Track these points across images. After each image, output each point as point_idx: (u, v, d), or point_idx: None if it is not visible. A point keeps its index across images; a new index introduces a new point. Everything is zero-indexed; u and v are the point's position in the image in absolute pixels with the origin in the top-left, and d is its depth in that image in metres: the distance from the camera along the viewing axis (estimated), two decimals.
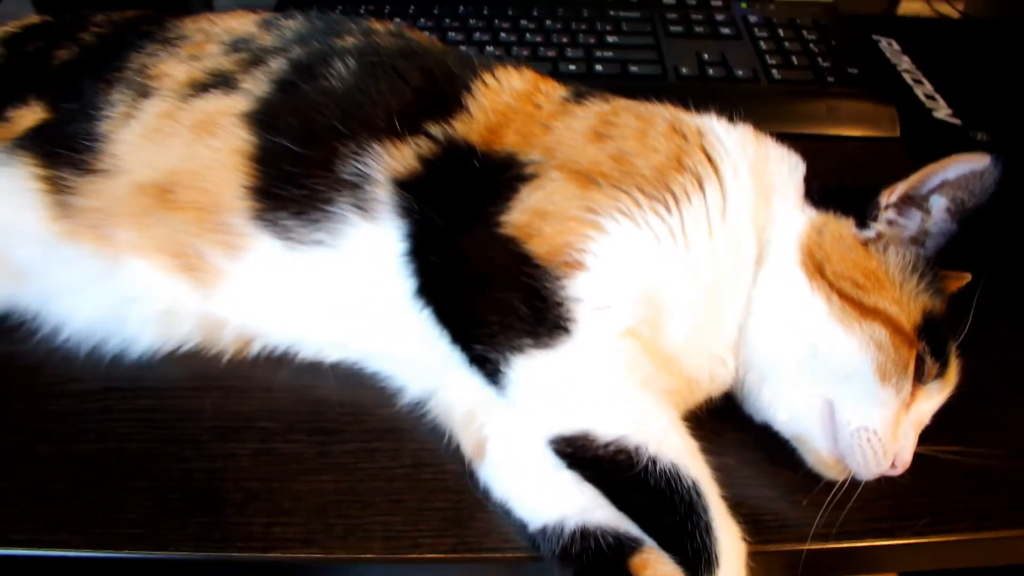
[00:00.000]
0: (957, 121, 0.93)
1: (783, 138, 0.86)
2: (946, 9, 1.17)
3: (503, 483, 0.53)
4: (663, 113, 0.60)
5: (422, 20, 0.98)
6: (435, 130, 0.59)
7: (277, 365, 0.63)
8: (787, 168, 0.61)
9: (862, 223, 0.58)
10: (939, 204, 0.57)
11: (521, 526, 0.52)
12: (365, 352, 0.62)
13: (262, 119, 0.60)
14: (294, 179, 0.58)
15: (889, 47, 1.06)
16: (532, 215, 0.53)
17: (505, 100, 0.61)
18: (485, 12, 0.99)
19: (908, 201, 0.58)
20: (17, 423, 0.59)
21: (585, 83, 0.88)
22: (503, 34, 0.96)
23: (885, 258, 0.57)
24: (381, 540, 0.52)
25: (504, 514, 0.53)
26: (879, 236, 0.58)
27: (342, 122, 0.58)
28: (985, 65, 1.07)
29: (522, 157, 0.57)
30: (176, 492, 0.55)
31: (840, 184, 0.60)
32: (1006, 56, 1.10)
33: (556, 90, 0.64)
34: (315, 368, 0.63)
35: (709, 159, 0.57)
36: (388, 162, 0.57)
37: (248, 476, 0.55)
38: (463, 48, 0.73)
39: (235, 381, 0.62)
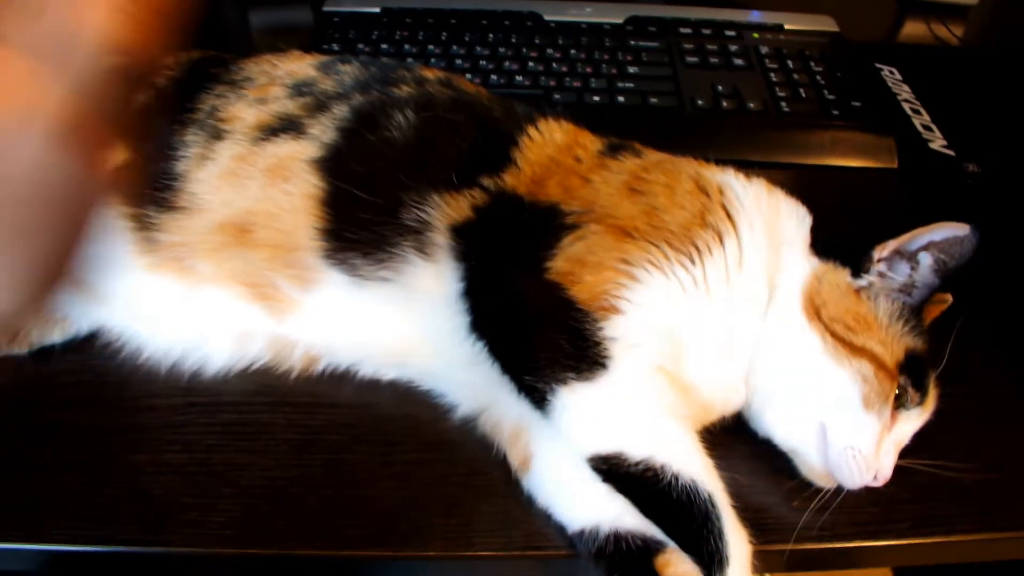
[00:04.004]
0: (951, 152, 0.94)
1: (787, 168, 0.91)
2: (945, 33, 1.18)
3: (546, 492, 0.59)
4: (688, 170, 0.65)
5: (454, 47, 1.00)
6: (488, 183, 0.63)
7: (339, 382, 0.68)
8: (795, 221, 0.66)
9: (856, 273, 0.63)
10: (926, 261, 0.62)
11: (560, 529, 0.58)
12: (420, 372, 0.66)
13: (331, 166, 0.63)
14: (362, 224, 0.62)
15: (891, 76, 1.07)
16: (574, 263, 0.58)
17: (548, 153, 0.65)
18: (513, 40, 1.01)
19: (898, 256, 0.63)
20: (114, 434, 0.63)
21: (608, 114, 0.92)
22: (530, 63, 0.98)
23: (875, 305, 0.62)
24: (441, 540, 0.57)
25: (545, 518, 0.58)
26: (871, 285, 0.63)
27: (405, 173, 0.62)
28: (979, 94, 1.09)
29: (564, 207, 0.61)
30: (260, 498, 0.59)
31: (839, 237, 0.65)
32: (999, 85, 1.11)
33: (593, 144, 0.68)
34: (374, 385, 0.67)
35: (728, 216, 0.62)
36: (446, 211, 0.62)
37: (323, 484, 0.60)
38: (503, 94, 0.76)
39: (304, 397, 0.67)
